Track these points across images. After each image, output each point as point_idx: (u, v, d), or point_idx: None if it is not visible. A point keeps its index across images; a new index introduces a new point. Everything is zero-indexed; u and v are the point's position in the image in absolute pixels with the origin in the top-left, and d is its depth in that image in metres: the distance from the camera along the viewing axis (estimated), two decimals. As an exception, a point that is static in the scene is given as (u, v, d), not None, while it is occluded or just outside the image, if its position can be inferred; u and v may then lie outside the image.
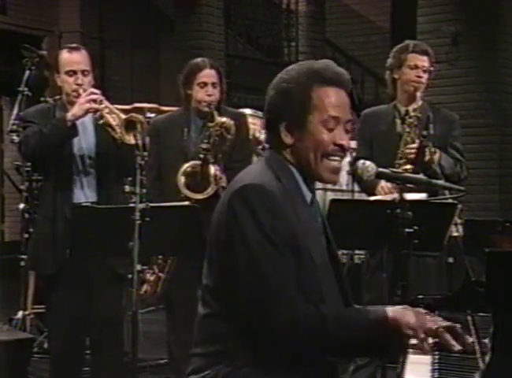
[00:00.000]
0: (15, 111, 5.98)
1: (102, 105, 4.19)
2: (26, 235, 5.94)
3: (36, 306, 6.02)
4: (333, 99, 2.34)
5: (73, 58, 4.27)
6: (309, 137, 2.34)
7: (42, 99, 6.06)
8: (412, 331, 2.22)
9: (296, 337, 2.21)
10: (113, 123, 4.16)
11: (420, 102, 4.52)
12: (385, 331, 2.22)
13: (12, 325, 5.79)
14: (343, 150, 2.37)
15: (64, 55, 4.30)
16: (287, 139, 2.37)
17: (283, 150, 2.39)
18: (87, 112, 4.17)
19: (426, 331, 2.22)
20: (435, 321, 2.26)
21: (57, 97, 6.07)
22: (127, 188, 5.10)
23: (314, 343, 2.23)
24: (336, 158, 2.37)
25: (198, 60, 4.58)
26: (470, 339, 2.29)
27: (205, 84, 4.47)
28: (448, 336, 2.22)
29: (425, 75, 4.51)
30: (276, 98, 2.39)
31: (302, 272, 2.27)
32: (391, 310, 2.26)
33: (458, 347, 2.21)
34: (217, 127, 4.37)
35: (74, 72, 4.25)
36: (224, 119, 4.40)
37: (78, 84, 4.23)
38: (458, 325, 2.26)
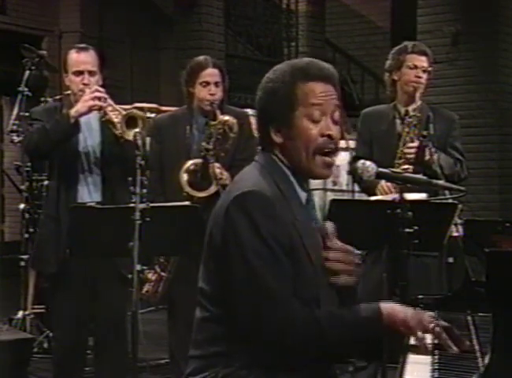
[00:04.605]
0: (15, 111, 5.98)
1: (106, 103, 4.21)
2: (26, 235, 5.94)
3: (36, 306, 6.02)
4: (316, 91, 2.33)
5: (80, 58, 4.30)
6: (297, 134, 2.33)
7: (42, 99, 6.06)
8: (408, 329, 2.22)
9: (289, 340, 2.19)
10: (115, 120, 4.17)
11: (419, 102, 4.53)
12: (380, 328, 2.21)
13: (12, 325, 5.79)
14: (332, 140, 2.34)
15: (72, 55, 4.33)
16: (277, 139, 2.36)
17: (274, 150, 2.38)
18: (90, 109, 4.19)
19: (423, 329, 2.22)
20: (432, 320, 2.26)
21: (57, 97, 6.07)
22: (132, 188, 5.10)
23: (309, 345, 2.22)
24: (328, 151, 2.34)
25: (201, 58, 4.53)
26: (467, 342, 2.28)
27: (208, 83, 4.43)
28: (445, 336, 2.22)
29: (425, 76, 4.52)
30: (263, 98, 2.39)
31: (300, 275, 2.27)
32: (386, 307, 2.25)
33: (455, 349, 2.22)
34: (219, 125, 4.37)
35: (81, 72, 4.28)
36: (226, 117, 4.39)
37: (84, 84, 4.25)
38: (454, 327, 2.26)
